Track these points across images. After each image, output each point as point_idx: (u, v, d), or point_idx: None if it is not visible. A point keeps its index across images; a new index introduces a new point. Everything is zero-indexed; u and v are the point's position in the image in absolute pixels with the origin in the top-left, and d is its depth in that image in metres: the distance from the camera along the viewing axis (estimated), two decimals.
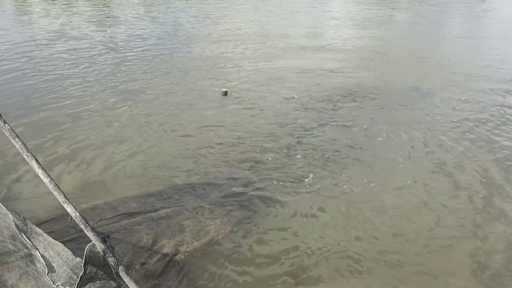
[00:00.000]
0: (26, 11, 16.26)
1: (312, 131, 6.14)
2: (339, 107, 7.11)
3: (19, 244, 2.42)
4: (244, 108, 6.98)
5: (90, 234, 2.42)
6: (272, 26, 14.49)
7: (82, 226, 2.42)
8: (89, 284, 2.43)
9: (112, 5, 18.46)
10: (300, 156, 5.38)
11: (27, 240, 2.43)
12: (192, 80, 8.34)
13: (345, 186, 4.75)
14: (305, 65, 9.66)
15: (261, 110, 6.92)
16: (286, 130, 6.14)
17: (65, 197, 2.39)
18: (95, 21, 14.29)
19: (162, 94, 7.47)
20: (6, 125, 2.29)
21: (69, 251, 2.50)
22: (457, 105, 7.42)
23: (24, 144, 2.35)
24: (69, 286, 2.35)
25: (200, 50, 10.77)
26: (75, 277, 2.41)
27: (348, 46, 11.89)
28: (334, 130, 6.19)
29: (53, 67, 8.86)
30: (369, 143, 5.83)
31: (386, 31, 14.32)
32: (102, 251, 2.44)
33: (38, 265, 2.42)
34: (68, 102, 6.96)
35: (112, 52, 10.20)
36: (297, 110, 6.91)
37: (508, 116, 6.96)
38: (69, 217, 3.64)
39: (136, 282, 2.56)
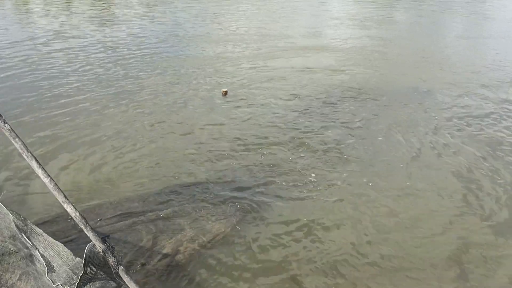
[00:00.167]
0: (26, 10, 16.25)
1: (313, 130, 6.14)
2: (340, 106, 7.11)
3: (19, 244, 2.41)
4: (244, 107, 6.98)
5: (90, 234, 2.42)
6: (272, 26, 14.48)
7: (82, 226, 2.42)
8: (89, 284, 2.42)
9: (111, 4, 18.45)
10: (301, 156, 5.38)
11: (27, 240, 2.43)
12: (192, 79, 8.34)
13: (345, 187, 4.75)
14: (305, 65, 9.66)
15: (261, 109, 6.92)
16: (287, 130, 6.14)
17: (65, 197, 2.39)
18: (94, 21, 14.28)
19: (162, 94, 7.47)
20: (6, 125, 2.29)
21: (69, 251, 2.50)
22: (458, 104, 7.42)
23: (24, 144, 2.35)
24: (69, 286, 2.34)
25: (199, 50, 10.77)
26: (75, 277, 2.41)
27: (348, 45, 11.89)
28: (334, 130, 6.18)
29: (51, 66, 8.86)
30: (370, 143, 5.82)
31: (386, 31, 14.31)
32: (102, 251, 2.44)
33: (38, 265, 2.41)
34: (66, 101, 6.96)
35: (110, 51, 10.19)
36: (297, 110, 6.91)
37: (509, 116, 6.95)
38: (69, 217, 3.64)
39: (136, 282, 2.55)
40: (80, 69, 8.72)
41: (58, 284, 2.35)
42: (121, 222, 3.84)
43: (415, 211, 4.36)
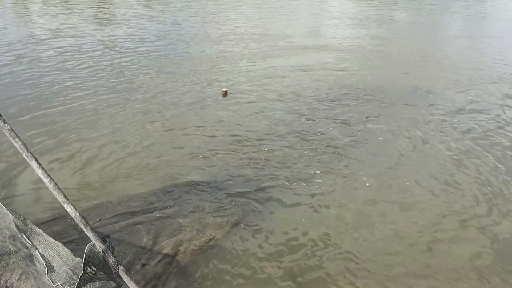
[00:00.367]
0: (25, 9, 16.24)
1: (314, 130, 6.13)
2: (340, 106, 7.10)
3: (19, 244, 2.41)
4: (245, 107, 6.97)
5: (90, 234, 2.42)
6: (272, 25, 14.48)
7: (82, 226, 2.41)
8: (89, 284, 2.42)
9: (111, 4, 18.43)
10: (301, 156, 5.38)
11: (27, 240, 2.43)
12: (191, 79, 8.33)
13: (346, 188, 4.75)
14: (306, 64, 9.66)
15: (261, 109, 6.91)
16: (287, 129, 6.13)
17: (65, 197, 2.39)
18: (93, 20, 14.27)
19: (162, 93, 7.46)
20: (6, 125, 2.29)
21: (69, 251, 2.50)
22: (459, 104, 7.42)
23: (24, 144, 2.35)
24: (69, 286, 2.34)
25: (199, 50, 10.76)
26: (75, 277, 2.41)
27: (348, 45, 11.88)
28: (335, 129, 6.18)
29: (50, 65, 8.86)
30: (370, 142, 5.82)
31: (386, 30, 14.31)
32: (102, 251, 2.44)
33: (38, 265, 2.41)
34: (65, 100, 6.96)
35: (109, 51, 10.18)
36: (298, 109, 6.90)
37: (510, 115, 6.95)
38: (69, 217, 3.63)
39: (136, 282, 2.55)
40: (79, 68, 8.71)
41: (58, 284, 2.35)
42: (121, 222, 3.84)
43: (416, 211, 4.36)
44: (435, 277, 3.50)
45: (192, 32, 12.80)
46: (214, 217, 4.06)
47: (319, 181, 4.82)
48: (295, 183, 4.75)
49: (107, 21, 14.42)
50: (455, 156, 5.52)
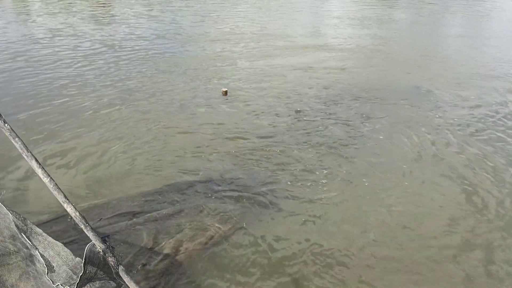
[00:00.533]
0: (25, 9, 16.23)
1: (314, 130, 6.13)
2: (341, 105, 7.10)
3: (19, 244, 2.41)
4: (245, 107, 6.97)
5: (90, 234, 2.42)
6: (272, 25, 14.48)
7: (82, 226, 2.41)
8: (89, 284, 2.42)
9: (110, 3, 18.42)
10: (302, 155, 5.37)
11: (27, 240, 2.43)
12: (191, 79, 8.33)
13: (346, 187, 4.74)
14: (306, 64, 9.66)
15: (261, 108, 6.91)
16: (287, 129, 6.13)
17: (65, 196, 2.39)
18: (92, 19, 14.27)
19: (162, 93, 7.46)
20: (6, 125, 2.28)
21: (69, 251, 2.49)
22: (460, 103, 7.41)
23: (24, 144, 2.35)
24: (68, 286, 2.34)
25: (199, 49, 10.76)
26: (75, 277, 2.41)
27: (348, 44, 11.88)
28: (335, 129, 6.17)
29: (49, 64, 8.86)
30: (371, 142, 5.81)
31: (387, 30, 14.31)
32: (102, 251, 2.44)
33: (38, 265, 2.41)
34: (64, 100, 6.96)
35: (109, 50, 10.18)
36: (299, 109, 6.90)
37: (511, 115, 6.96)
38: (69, 217, 3.63)
39: (136, 282, 2.55)
40: (78, 68, 8.72)
41: (58, 284, 2.34)
42: (121, 222, 3.84)
43: (416, 212, 4.35)
44: (441, 282, 3.49)
45: (192, 32, 12.80)
46: (215, 217, 4.06)
47: (319, 181, 4.81)
48: (295, 183, 4.75)
49: (106, 20, 14.42)
50: (457, 156, 5.51)
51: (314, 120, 6.47)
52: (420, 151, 5.64)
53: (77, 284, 2.28)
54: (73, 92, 7.31)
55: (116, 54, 9.85)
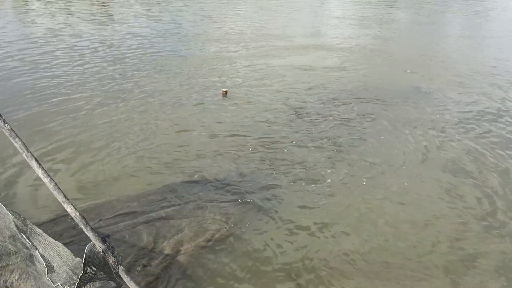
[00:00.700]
0: (24, 9, 16.23)
1: (315, 129, 6.13)
2: (341, 105, 7.10)
3: (19, 244, 2.41)
4: (245, 106, 6.97)
5: (90, 234, 2.42)
6: (272, 25, 14.47)
7: (82, 226, 2.41)
8: (89, 284, 2.42)
9: (109, 3, 18.42)
10: (302, 156, 5.37)
11: (27, 240, 2.43)
12: (191, 79, 8.32)
13: (347, 189, 4.73)
14: (306, 64, 9.65)
15: (262, 108, 6.91)
16: (288, 129, 6.13)
17: (65, 197, 2.39)
18: (92, 19, 14.26)
19: (161, 93, 7.45)
20: (6, 125, 2.28)
21: (69, 251, 2.50)
22: (462, 103, 7.41)
23: (24, 144, 2.35)
24: (68, 286, 2.34)
25: (198, 49, 10.75)
26: (75, 277, 2.41)
27: (349, 44, 11.88)
28: (336, 128, 6.17)
29: (48, 64, 8.86)
30: (371, 142, 5.81)
31: (387, 30, 14.31)
32: (102, 251, 2.44)
33: (38, 265, 2.41)
34: (63, 99, 6.96)
35: (108, 50, 10.18)
36: (298, 108, 6.90)
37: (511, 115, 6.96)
38: (69, 217, 3.63)
39: (136, 282, 2.55)
40: (77, 67, 8.71)
41: (58, 284, 2.34)
42: (121, 223, 3.84)
43: (417, 212, 4.35)
44: (441, 279, 3.49)
45: (192, 32, 12.79)
46: (215, 217, 4.06)
47: (320, 182, 4.81)
48: (296, 183, 4.75)
49: (106, 20, 14.41)
50: (458, 156, 5.51)
51: (314, 120, 6.47)
52: (421, 151, 5.63)
53: (77, 284, 2.28)
54: (73, 92, 7.30)
55: (114, 54, 9.84)
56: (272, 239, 3.86)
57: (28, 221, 2.51)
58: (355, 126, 6.31)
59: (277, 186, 4.68)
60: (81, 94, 7.20)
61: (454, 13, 18.88)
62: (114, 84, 7.82)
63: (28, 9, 16.23)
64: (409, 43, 12.48)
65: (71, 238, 3.53)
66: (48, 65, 8.81)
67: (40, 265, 2.39)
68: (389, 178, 4.94)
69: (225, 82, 8.21)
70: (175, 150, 5.44)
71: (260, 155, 5.36)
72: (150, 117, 6.38)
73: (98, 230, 3.56)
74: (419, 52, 11.23)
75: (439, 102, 7.47)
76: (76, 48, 10.26)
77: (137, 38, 11.65)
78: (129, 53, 10.01)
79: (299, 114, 6.70)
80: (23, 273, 2.35)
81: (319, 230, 4.00)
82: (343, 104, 7.18)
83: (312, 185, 4.71)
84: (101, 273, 2.47)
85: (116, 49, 10.33)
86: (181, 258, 3.53)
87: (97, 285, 2.48)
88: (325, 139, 5.84)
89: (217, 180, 4.75)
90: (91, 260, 2.38)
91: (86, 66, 8.85)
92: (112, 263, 2.48)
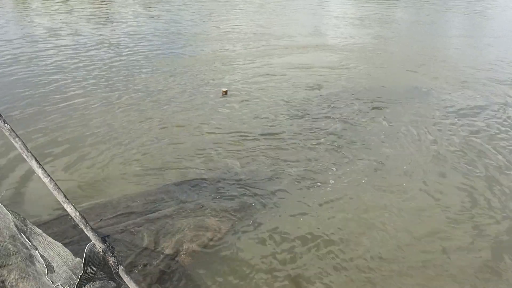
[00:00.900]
0: (24, 8, 16.21)
1: (315, 129, 6.12)
2: (341, 105, 7.09)
3: (18, 244, 2.41)
4: (245, 106, 6.96)
5: (90, 234, 2.41)
6: (272, 24, 14.45)
7: (82, 226, 2.41)
8: (89, 284, 2.42)
9: (109, 3, 18.40)
10: (302, 156, 5.37)
11: (27, 240, 2.42)
12: (191, 79, 8.32)
13: (350, 188, 4.73)
14: (306, 63, 9.64)
15: (262, 108, 6.90)
16: (288, 129, 6.12)
17: (65, 196, 2.38)
18: (92, 19, 14.25)
19: (161, 93, 7.45)
20: (6, 125, 2.28)
21: (68, 251, 2.49)
22: (462, 103, 7.40)
23: (24, 144, 2.34)
24: (68, 286, 2.34)
25: (198, 48, 10.74)
26: (75, 277, 2.40)
27: (349, 44, 11.86)
28: (337, 128, 6.16)
29: (48, 63, 8.85)
30: (372, 142, 5.80)
31: (387, 29, 14.29)
32: (102, 251, 2.43)
33: (37, 265, 2.41)
34: (63, 99, 6.95)
35: (107, 49, 10.17)
36: (299, 108, 6.89)
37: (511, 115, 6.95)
38: (69, 217, 3.62)
39: (136, 282, 2.55)
40: (76, 66, 8.70)
41: (58, 284, 2.34)
42: (122, 223, 3.83)
43: (419, 213, 4.34)
44: (445, 283, 3.49)
45: (192, 31, 12.78)
46: (215, 216, 4.05)
47: (322, 181, 4.80)
48: (296, 183, 4.74)
49: (105, 19, 14.40)
50: (459, 156, 5.50)
51: (315, 119, 6.46)
52: (422, 151, 5.62)
53: (77, 284, 2.28)
54: (72, 92, 7.29)
55: (114, 53, 9.83)
56: (273, 239, 3.85)
57: (28, 221, 2.51)
58: (356, 126, 6.30)
59: (279, 186, 4.68)
60: (82, 94, 7.20)
61: (454, 13, 18.87)
62: (113, 83, 7.81)
63: (28, 8, 16.21)
64: (410, 42, 12.46)
65: (71, 238, 3.52)
66: (49, 64, 8.80)
67: (40, 265, 2.39)
68: (389, 177, 4.94)
69: (225, 81, 8.20)
70: (175, 149, 5.43)
71: (260, 154, 5.35)
72: (149, 116, 6.37)
73: (98, 230, 3.56)
74: (420, 52, 11.22)
75: (440, 101, 7.46)
76: (75, 47, 10.24)
77: (136, 37, 11.64)
78: (128, 52, 9.99)
79: (299, 113, 6.69)
80: (23, 273, 2.34)
81: (322, 231, 3.99)
82: (344, 104, 7.17)
83: (314, 185, 4.71)
84: (101, 273, 2.46)
85: (116, 48, 10.31)
86: (181, 258, 3.52)
87: (97, 285, 2.48)
88: (326, 139, 5.83)
89: (217, 180, 4.74)
90: (91, 260, 2.37)
91: (85, 65, 8.84)
92: (112, 263, 2.47)
